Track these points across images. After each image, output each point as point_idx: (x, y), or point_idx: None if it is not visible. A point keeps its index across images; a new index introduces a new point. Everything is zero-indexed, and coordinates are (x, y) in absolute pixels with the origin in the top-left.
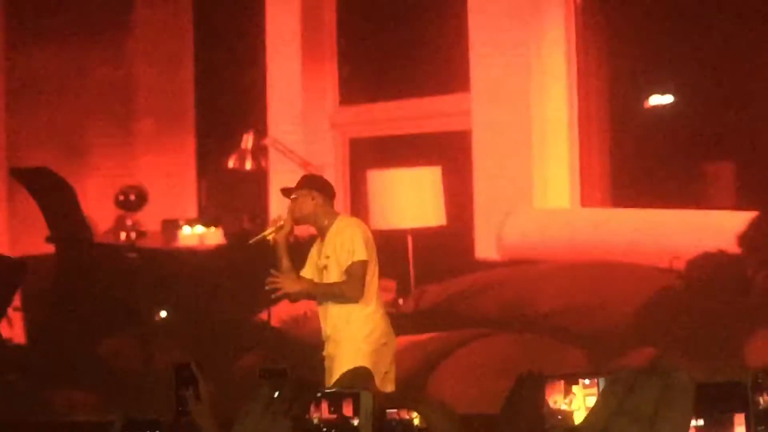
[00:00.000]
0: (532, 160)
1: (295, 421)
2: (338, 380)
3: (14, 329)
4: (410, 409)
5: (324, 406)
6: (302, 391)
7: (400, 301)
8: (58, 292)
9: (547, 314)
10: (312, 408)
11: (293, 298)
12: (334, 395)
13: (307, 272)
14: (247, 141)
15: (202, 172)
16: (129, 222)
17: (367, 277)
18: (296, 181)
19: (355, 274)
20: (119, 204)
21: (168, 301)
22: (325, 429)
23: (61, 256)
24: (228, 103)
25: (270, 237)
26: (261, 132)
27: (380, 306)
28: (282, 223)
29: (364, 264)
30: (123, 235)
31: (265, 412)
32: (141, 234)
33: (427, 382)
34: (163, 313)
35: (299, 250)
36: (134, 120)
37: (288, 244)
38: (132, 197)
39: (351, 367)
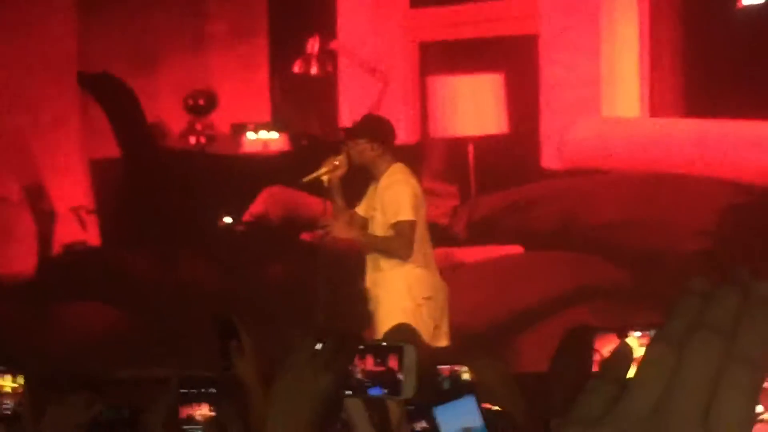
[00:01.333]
0: (600, 66)
1: (338, 374)
2: (381, 339)
3: (88, 232)
4: (461, 364)
5: (369, 359)
6: (345, 344)
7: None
8: (125, 197)
9: (601, 227)
10: (357, 361)
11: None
12: (378, 348)
13: (362, 209)
14: (313, 45)
15: (275, 75)
16: (198, 126)
17: (417, 237)
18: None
19: (404, 232)
20: (188, 108)
21: (231, 207)
22: (368, 382)
23: (125, 160)
24: (301, 4)
25: (324, 177)
26: (329, 36)
27: (426, 261)
28: (337, 163)
29: (412, 224)
30: (193, 140)
31: (307, 365)
32: (210, 138)
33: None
34: (228, 219)
35: None
36: (207, 24)
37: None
38: (201, 102)
39: (392, 324)
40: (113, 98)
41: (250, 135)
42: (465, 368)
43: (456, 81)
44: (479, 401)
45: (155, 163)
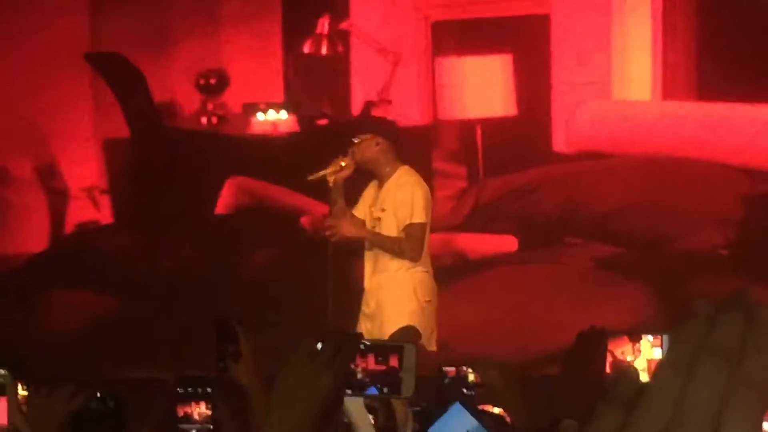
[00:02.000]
0: (612, 48)
1: (339, 374)
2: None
3: (101, 211)
4: (466, 366)
5: (370, 358)
6: (346, 343)
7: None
8: (134, 176)
9: (605, 214)
10: (358, 360)
11: (349, 241)
12: (379, 348)
13: (359, 211)
14: (324, 25)
15: (288, 55)
16: (210, 106)
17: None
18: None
19: (416, 235)
20: (199, 88)
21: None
22: (368, 381)
23: (132, 140)
24: None
25: (330, 178)
26: (342, 15)
27: (428, 264)
28: (344, 164)
29: (424, 227)
30: (204, 120)
31: (307, 365)
32: (222, 118)
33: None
34: None
35: None
36: (220, 3)
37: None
38: (212, 81)
39: (398, 326)
40: (120, 78)
41: (260, 116)
42: (469, 369)
43: (465, 62)
44: (469, 404)
45: (160, 143)
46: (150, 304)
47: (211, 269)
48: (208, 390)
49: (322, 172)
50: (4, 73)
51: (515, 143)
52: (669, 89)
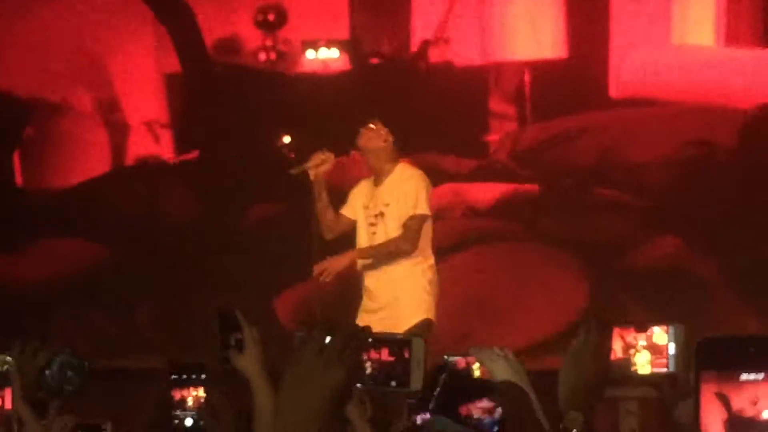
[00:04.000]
0: None
1: (348, 367)
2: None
3: (161, 146)
4: (472, 356)
5: (378, 352)
6: (355, 337)
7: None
8: (187, 113)
9: (640, 166)
10: (366, 354)
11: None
12: (388, 341)
13: (348, 211)
14: None
15: None
16: (269, 42)
17: (429, 232)
18: None
19: (412, 227)
20: (258, 24)
21: (288, 127)
22: (378, 375)
23: (183, 76)
24: None
25: (311, 171)
26: None
27: (432, 256)
28: (324, 157)
29: (424, 218)
30: (263, 56)
31: (316, 359)
32: (280, 55)
33: None
34: (287, 139)
35: None
36: None
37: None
38: (270, 17)
39: (417, 320)
40: (170, 14)
41: (309, 53)
42: (476, 364)
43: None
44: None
45: (209, 79)
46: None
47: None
48: (202, 376)
49: (303, 166)
50: (67, 7)
51: (568, 87)
52: (732, 35)
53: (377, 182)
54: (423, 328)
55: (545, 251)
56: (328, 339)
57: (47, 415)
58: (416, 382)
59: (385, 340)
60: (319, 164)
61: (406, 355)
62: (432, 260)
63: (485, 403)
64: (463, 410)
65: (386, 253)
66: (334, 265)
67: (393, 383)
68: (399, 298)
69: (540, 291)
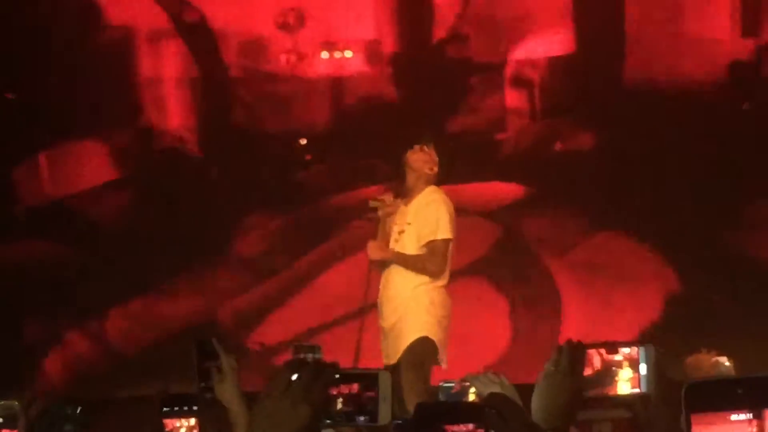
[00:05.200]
0: None
1: (315, 404)
2: (405, 352)
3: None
4: (467, 382)
5: (346, 387)
6: (321, 374)
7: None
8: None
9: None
10: (334, 389)
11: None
12: (355, 377)
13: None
14: None
15: None
16: (289, 45)
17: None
18: None
19: (439, 251)
20: (279, 27)
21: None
22: (346, 410)
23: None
24: None
25: (379, 212)
26: None
27: (446, 279)
28: (392, 203)
29: (448, 243)
30: (284, 59)
31: (284, 396)
32: (300, 57)
33: None
34: (303, 141)
35: None
36: None
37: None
38: (290, 20)
39: (415, 337)
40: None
41: (324, 55)
42: (472, 389)
43: None
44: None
45: (222, 85)
46: None
47: None
48: (194, 408)
49: (377, 203)
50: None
51: (580, 82)
52: (748, 25)
53: (407, 200)
54: (418, 346)
55: None
56: (295, 376)
57: None
58: (384, 416)
59: (354, 375)
60: (384, 206)
61: (372, 389)
62: (443, 282)
63: (471, 427)
64: None
65: (414, 267)
66: (371, 252)
67: (361, 418)
68: (402, 318)
69: None
